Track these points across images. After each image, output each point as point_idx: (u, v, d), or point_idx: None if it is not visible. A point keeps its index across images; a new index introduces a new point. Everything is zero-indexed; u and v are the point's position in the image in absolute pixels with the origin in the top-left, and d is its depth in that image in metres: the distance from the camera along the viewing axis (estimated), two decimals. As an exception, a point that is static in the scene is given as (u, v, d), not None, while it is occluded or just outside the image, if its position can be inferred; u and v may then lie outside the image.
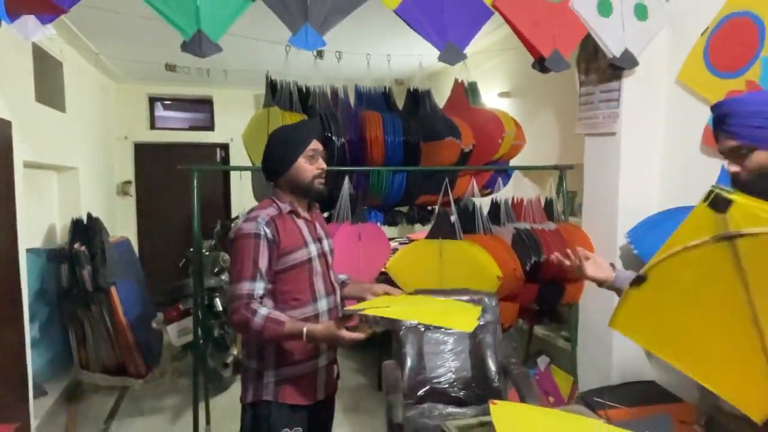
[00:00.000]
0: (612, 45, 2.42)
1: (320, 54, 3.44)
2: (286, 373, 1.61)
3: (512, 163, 3.48)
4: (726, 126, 1.28)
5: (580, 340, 2.93)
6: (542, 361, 3.19)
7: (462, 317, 1.54)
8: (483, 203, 3.23)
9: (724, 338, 1.00)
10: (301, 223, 1.65)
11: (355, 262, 2.71)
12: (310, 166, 1.62)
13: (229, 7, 2.08)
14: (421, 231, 3.89)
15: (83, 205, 4.31)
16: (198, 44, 2.00)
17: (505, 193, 3.47)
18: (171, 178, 4.08)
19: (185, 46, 2.00)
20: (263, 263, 1.53)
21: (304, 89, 3.09)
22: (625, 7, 2.44)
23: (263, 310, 1.48)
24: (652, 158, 2.63)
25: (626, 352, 2.70)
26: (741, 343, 0.99)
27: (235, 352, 3.65)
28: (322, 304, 1.65)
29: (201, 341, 3.18)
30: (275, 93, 2.98)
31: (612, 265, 1.52)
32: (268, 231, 1.54)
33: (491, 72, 4.43)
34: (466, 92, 3.48)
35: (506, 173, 3.46)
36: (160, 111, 6.47)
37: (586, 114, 2.80)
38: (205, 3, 1.99)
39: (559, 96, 3.54)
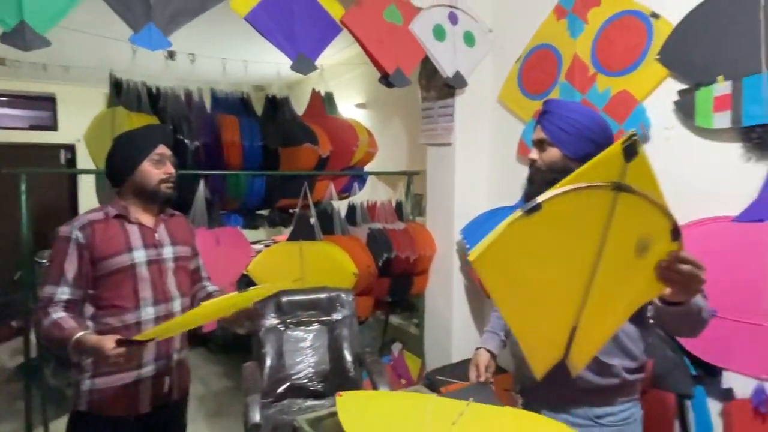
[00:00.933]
0: (446, 66, 2.59)
1: (172, 55, 3.18)
2: (102, 383, 1.46)
3: (367, 168, 3.56)
4: (542, 119, 1.36)
5: (427, 325, 3.09)
6: (396, 348, 3.30)
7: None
8: (341, 206, 3.25)
9: (554, 295, 0.98)
10: (131, 228, 1.51)
11: (213, 266, 2.53)
12: (156, 170, 1.50)
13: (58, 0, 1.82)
14: (285, 234, 3.80)
15: None
16: (21, 36, 1.73)
17: (360, 196, 3.54)
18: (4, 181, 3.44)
19: (6, 38, 1.73)
20: (70, 268, 1.41)
21: (154, 90, 2.82)
22: (456, 34, 2.63)
23: (55, 315, 1.36)
24: (480, 165, 2.85)
25: (464, 334, 2.91)
26: (563, 305, 0.99)
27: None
28: (147, 312, 1.51)
29: (39, 360, 2.74)
30: (120, 92, 2.68)
31: None
32: (80, 235, 1.42)
33: (349, 84, 4.49)
34: (323, 102, 3.48)
35: (361, 178, 3.53)
36: (-6, 108, 5.45)
37: (427, 126, 2.96)
38: None
39: (408, 109, 3.70)
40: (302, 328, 2.53)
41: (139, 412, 1.51)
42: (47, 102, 5.59)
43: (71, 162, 5.61)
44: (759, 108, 1.63)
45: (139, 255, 1.50)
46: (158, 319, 1.52)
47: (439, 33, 2.56)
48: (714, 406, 1.81)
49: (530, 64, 2.56)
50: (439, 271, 2.96)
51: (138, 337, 1.25)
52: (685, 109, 1.89)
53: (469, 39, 2.68)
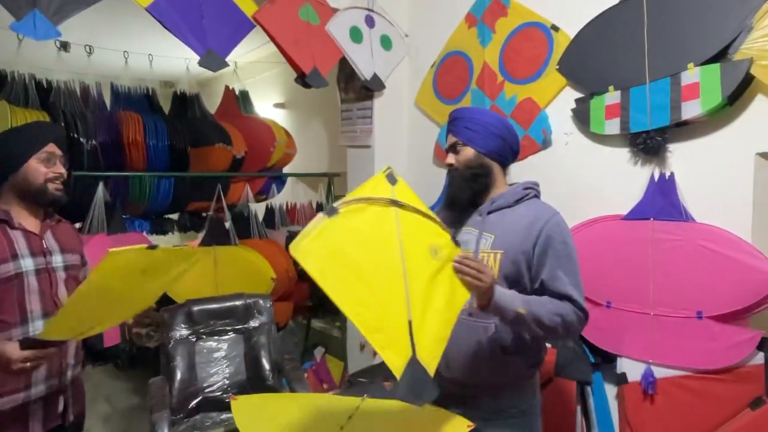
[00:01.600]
0: (363, 68, 2.58)
1: (65, 46, 2.89)
2: None
3: (285, 170, 3.47)
4: (451, 126, 1.47)
5: (349, 328, 3.06)
6: (318, 352, 3.25)
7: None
8: (258, 209, 3.15)
9: (380, 286, 1.07)
10: (15, 234, 1.36)
11: (114, 275, 2.34)
12: (43, 168, 1.39)
13: None
14: (197, 239, 3.61)
15: None
16: None
17: (279, 198, 3.45)
18: None
19: None
20: None
21: (45, 83, 2.54)
22: (373, 37, 2.63)
23: None
24: (399, 167, 2.86)
25: (385, 335, 2.92)
26: (391, 297, 1.07)
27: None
28: (36, 327, 1.36)
29: None
30: (3, 85, 2.39)
31: None
32: None
33: (266, 83, 4.36)
34: (237, 100, 3.35)
35: (280, 180, 3.44)
36: None
37: (346, 128, 2.94)
38: None
39: (328, 110, 3.65)
40: (216, 337, 2.41)
41: None
42: None
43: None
44: (643, 116, 1.78)
45: (27, 263, 1.36)
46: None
47: (355, 35, 2.55)
48: (610, 390, 1.95)
49: (444, 70, 2.61)
50: (359, 273, 2.95)
51: (42, 335, 1.13)
52: (581, 116, 2.02)
53: (386, 42, 2.69)
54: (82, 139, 2.32)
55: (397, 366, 1.05)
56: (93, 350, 2.39)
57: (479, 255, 1.37)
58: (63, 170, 1.44)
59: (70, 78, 2.65)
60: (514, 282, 1.35)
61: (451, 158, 1.47)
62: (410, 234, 1.12)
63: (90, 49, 2.86)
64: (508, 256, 1.34)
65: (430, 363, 1.09)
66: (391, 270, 1.08)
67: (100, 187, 2.36)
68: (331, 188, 3.30)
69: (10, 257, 1.32)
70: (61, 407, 1.42)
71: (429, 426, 1.27)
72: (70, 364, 1.44)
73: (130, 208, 2.69)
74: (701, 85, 1.63)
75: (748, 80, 1.56)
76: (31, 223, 1.42)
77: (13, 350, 1.15)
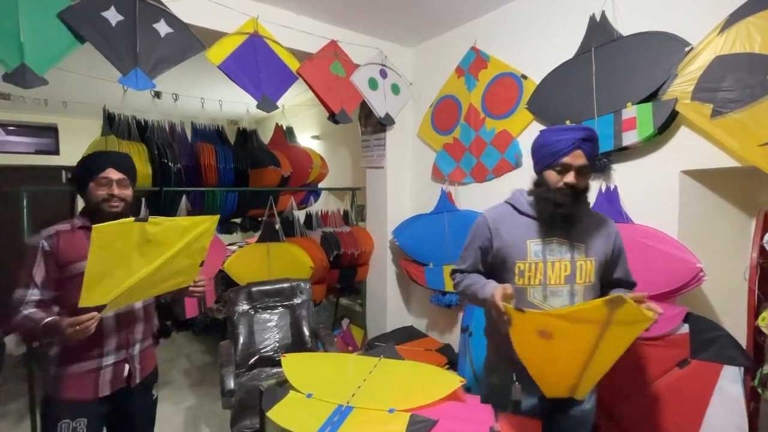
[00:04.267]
0: (378, 109, 2.60)
1: (158, 94, 2.95)
2: (67, 371, 1.28)
3: (320, 185, 3.49)
4: (586, 146, 1.14)
5: (368, 304, 3.07)
6: (344, 323, 3.24)
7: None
8: (300, 215, 3.16)
9: (564, 359, 1.02)
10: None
11: (193, 264, 2.37)
12: (98, 191, 1.29)
13: (57, 45, 1.67)
14: (254, 237, 3.64)
15: None
16: (21, 76, 1.57)
17: (315, 207, 3.46)
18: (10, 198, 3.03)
19: (7, 77, 1.56)
20: (38, 272, 1.24)
21: (143, 122, 2.59)
22: (386, 85, 2.65)
23: (26, 311, 1.20)
24: (405, 183, 2.89)
25: (395, 310, 2.92)
26: (573, 363, 1.02)
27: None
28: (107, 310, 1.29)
29: (41, 348, 2.42)
30: (112, 124, 2.44)
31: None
32: (46, 244, 1.25)
33: (306, 120, 4.39)
34: (284, 134, 3.37)
35: (316, 193, 3.45)
36: (2, 135, 4.79)
37: (366, 153, 2.96)
38: (30, 39, 1.58)
39: (351, 140, 3.68)
40: (269, 311, 2.42)
41: (98, 395, 1.32)
42: (50, 131, 5.01)
43: (71, 181, 5.06)
44: (592, 143, 1.76)
45: None
46: (118, 316, 1.32)
47: (373, 84, 2.57)
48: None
49: (439, 109, 2.62)
50: (376, 263, 2.95)
51: (80, 304, 1.05)
52: (545, 143, 2.00)
53: (395, 89, 2.71)
54: (170, 164, 2.34)
55: (550, 393, 1.08)
56: (177, 320, 2.42)
57: (576, 263, 1.17)
58: (116, 191, 1.30)
59: (162, 118, 2.69)
60: (597, 284, 1.21)
61: (571, 178, 1.13)
62: (609, 334, 0.96)
63: (176, 96, 2.91)
64: (598, 261, 1.20)
65: (582, 394, 1.08)
66: (582, 351, 0.99)
67: (184, 199, 2.40)
68: (354, 199, 3.31)
69: (84, 257, 1.22)
70: (126, 374, 1.36)
71: (430, 379, 1.27)
72: (137, 339, 1.38)
73: (206, 215, 2.72)
74: (637, 119, 1.62)
75: (673, 115, 1.55)
76: None
77: (63, 320, 1.13)
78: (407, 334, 2.70)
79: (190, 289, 1.35)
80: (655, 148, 1.64)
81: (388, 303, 2.87)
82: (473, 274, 1.26)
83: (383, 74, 2.63)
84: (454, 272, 1.31)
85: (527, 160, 2.12)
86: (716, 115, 1.43)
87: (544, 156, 1.17)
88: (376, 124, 2.79)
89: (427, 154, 2.73)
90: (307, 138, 4.26)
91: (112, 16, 1.74)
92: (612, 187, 1.76)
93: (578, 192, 1.15)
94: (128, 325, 1.34)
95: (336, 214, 3.21)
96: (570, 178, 1.13)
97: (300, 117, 4.38)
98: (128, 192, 1.34)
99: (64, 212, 5.03)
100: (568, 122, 1.86)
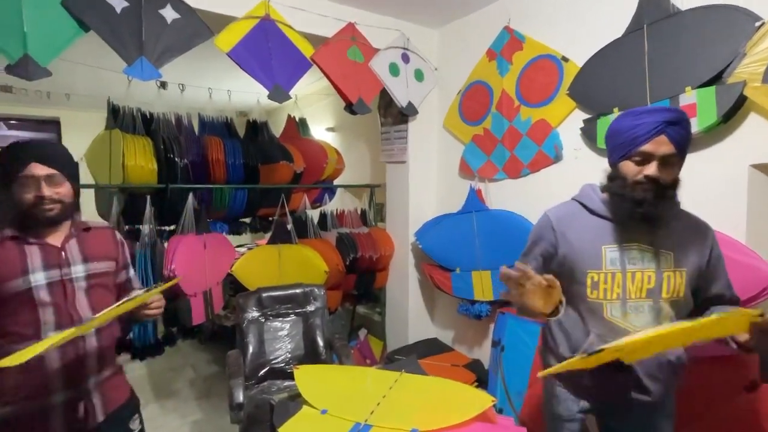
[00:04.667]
0: (400, 97, 2.61)
1: (164, 85, 3.05)
2: (5, 414, 1.11)
3: (336, 182, 3.53)
4: (673, 131, 0.99)
5: (387, 313, 3.08)
6: (362, 333, 3.27)
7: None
8: (313, 214, 3.20)
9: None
10: (30, 249, 1.15)
11: (200, 267, 2.44)
12: (24, 193, 1.11)
13: (61, 35, 1.75)
14: (265, 238, 3.71)
15: None
16: (25, 68, 1.65)
17: (330, 206, 3.50)
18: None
19: (10, 69, 1.64)
20: None
21: (148, 115, 2.69)
22: (408, 71, 2.65)
23: None
24: (429, 179, 2.88)
25: (417, 320, 2.91)
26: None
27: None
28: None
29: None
30: (117, 117, 2.55)
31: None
32: None
33: (320, 111, 4.44)
34: (297, 126, 3.42)
35: (331, 190, 3.49)
36: (3, 130, 5.07)
37: (386, 147, 2.97)
38: (33, 29, 1.65)
39: (370, 132, 3.70)
40: (280, 319, 2.46)
41: None
42: (53, 125, 5.26)
43: (74, 177, 5.31)
44: (645, 133, 1.71)
45: (38, 277, 1.13)
46: (63, 347, 1.14)
47: (394, 70, 2.57)
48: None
49: (468, 97, 2.60)
50: (397, 267, 2.96)
51: (4, 362, 0.87)
52: (589, 134, 1.96)
53: (418, 75, 2.70)
54: (176, 159, 2.42)
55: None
56: (183, 327, 2.50)
57: (663, 275, 1.07)
58: (49, 190, 1.12)
59: (167, 110, 2.78)
60: (688, 298, 1.11)
61: (653, 169, 1.00)
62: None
63: (182, 86, 3.00)
64: (690, 273, 1.09)
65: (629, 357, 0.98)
66: None
67: (190, 196, 2.47)
68: (373, 197, 3.33)
69: (20, 273, 1.12)
70: (81, 413, 1.18)
71: (457, 398, 1.25)
72: (92, 372, 1.20)
73: (213, 213, 2.79)
74: (698, 105, 1.56)
75: (741, 100, 1.48)
76: (53, 235, 1.19)
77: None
78: (431, 348, 2.69)
79: (143, 312, 1.22)
80: (719, 138, 1.58)
81: (409, 312, 2.87)
82: None
83: (405, 59, 2.63)
84: None
85: (568, 153, 2.08)
86: (793, 100, 1.37)
87: (621, 144, 1.05)
88: (397, 115, 2.80)
89: (454, 147, 2.71)
90: (321, 130, 4.31)
91: (117, 2, 1.81)
92: (667, 183, 1.70)
93: (663, 187, 1.01)
94: (76, 354, 1.17)
95: (353, 214, 3.24)
96: (651, 169, 1.00)
97: (314, 107, 4.43)
98: (63, 190, 1.16)
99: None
100: (616, 110, 1.81)
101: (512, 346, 2.13)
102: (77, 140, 5.13)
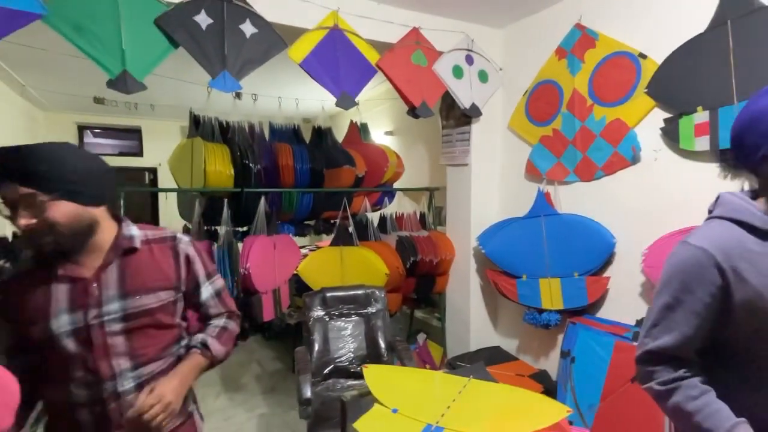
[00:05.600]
0: (463, 99, 2.67)
1: (239, 95, 3.35)
2: None
3: (395, 185, 3.64)
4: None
5: (447, 319, 3.13)
6: (421, 338, 3.34)
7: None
8: (374, 217, 3.33)
9: None
10: (57, 287, 0.94)
11: (271, 266, 2.66)
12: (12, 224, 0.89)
13: (154, 51, 2.00)
14: (326, 240, 3.91)
15: None
16: (123, 83, 1.90)
17: (390, 209, 3.62)
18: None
19: (111, 84, 1.89)
20: None
21: (224, 123, 2.98)
22: (472, 73, 2.71)
23: None
24: (492, 182, 2.90)
25: (479, 327, 2.94)
26: None
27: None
28: (77, 395, 0.94)
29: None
30: (198, 126, 2.85)
31: None
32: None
33: (379, 115, 4.60)
34: (359, 130, 3.59)
35: (391, 193, 3.61)
36: (89, 138, 5.81)
37: (447, 149, 3.04)
38: (130, 47, 1.91)
39: (429, 135, 3.78)
40: (343, 319, 2.61)
41: None
42: (135, 133, 5.93)
43: (153, 182, 5.93)
44: (735, 133, 1.65)
45: (62, 322, 0.92)
46: (92, 403, 0.95)
47: (457, 72, 2.65)
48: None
49: (536, 97, 2.61)
50: (458, 272, 3.00)
51: None
52: (670, 134, 1.91)
53: (483, 76, 2.75)
54: (251, 165, 2.67)
55: None
56: (254, 322, 2.72)
57: None
58: (26, 219, 0.86)
59: (242, 119, 3.06)
60: None
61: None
62: None
63: (255, 96, 3.28)
64: None
65: None
66: None
67: (262, 199, 2.71)
68: (432, 200, 3.40)
69: (42, 317, 0.92)
70: None
71: (531, 407, 1.26)
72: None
73: (281, 216, 3.03)
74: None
75: None
76: (86, 265, 0.96)
77: None
78: (494, 356, 2.70)
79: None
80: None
81: (471, 319, 2.91)
82: (694, 381, 0.85)
83: (469, 60, 2.70)
84: (644, 357, 0.90)
85: (646, 155, 2.04)
86: None
87: None
88: (459, 117, 2.85)
89: (520, 148, 2.72)
90: (380, 134, 4.46)
91: (203, 19, 2.05)
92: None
93: None
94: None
95: (412, 217, 3.33)
96: None
97: (373, 111, 4.60)
98: (53, 213, 0.88)
99: (146, 213, 5.90)
100: (700, 109, 1.76)
101: (584, 357, 2.11)
102: (156, 146, 5.80)
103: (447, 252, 2.98)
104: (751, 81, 1.60)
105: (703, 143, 1.75)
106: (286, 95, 3.54)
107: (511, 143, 2.80)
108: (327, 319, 2.59)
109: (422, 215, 3.41)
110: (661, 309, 0.88)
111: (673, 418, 0.89)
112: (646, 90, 1.99)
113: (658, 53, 1.94)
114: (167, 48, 2.00)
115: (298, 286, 2.99)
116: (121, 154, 6.02)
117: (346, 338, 2.58)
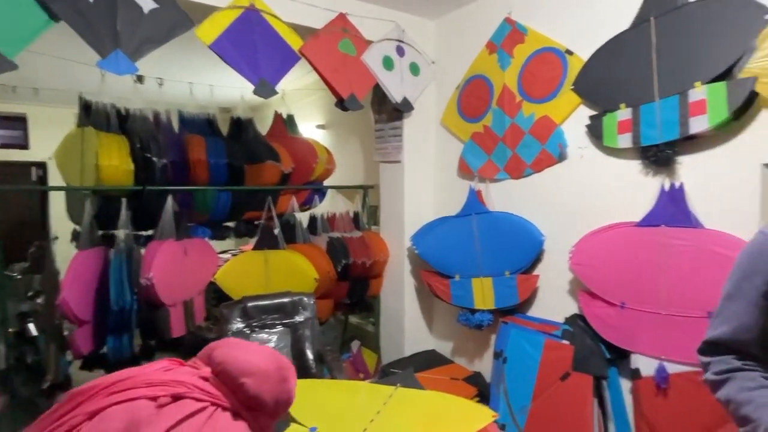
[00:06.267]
0: (394, 92, 2.62)
1: (140, 79, 3.05)
2: None
3: (326, 183, 3.54)
4: None
5: (382, 324, 3.09)
6: (355, 345, 3.26)
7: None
8: (302, 217, 3.20)
9: None
10: None
11: (180, 275, 2.43)
12: None
13: (27, 25, 1.73)
14: (250, 243, 3.71)
15: None
16: None
17: (320, 208, 3.50)
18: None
19: None
20: None
21: (123, 111, 2.68)
22: (403, 65, 2.67)
23: None
24: (426, 180, 2.90)
25: (415, 331, 2.92)
26: None
27: (51, 377, 2.97)
28: None
29: (9, 370, 2.53)
30: (89, 113, 2.54)
31: None
32: None
33: (310, 107, 4.46)
34: (285, 123, 3.44)
35: (321, 192, 3.50)
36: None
37: (380, 145, 2.98)
38: None
39: (363, 129, 3.71)
40: (267, 330, 2.46)
41: None
42: (18, 122, 5.22)
43: (42, 179, 5.26)
44: (653, 131, 1.74)
45: None
46: None
47: (388, 63, 2.59)
48: (625, 385, 1.90)
49: (467, 92, 2.63)
50: (392, 274, 2.97)
51: None
52: (594, 131, 1.99)
53: (414, 69, 2.72)
54: (154, 159, 2.42)
55: None
56: (162, 339, 2.48)
57: None
58: None
59: (145, 106, 2.78)
60: None
61: None
62: None
63: (161, 81, 3.00)
64: None
65: None
66: None
67: (169, 199, 2.46)
68: (366, 199, 3.34)
69: None
70: None
71: (456, 413, 1.27)
72: None
73: (195, 217, 2.79)
74: (708, 101, 1.59)
75: (752, 96, 1.52)
76: None
77: None
78: (429, 360, 2.70)
79: None
80: (730, 136, 1.61)
81: (405, 322, 2.88)
82: (753, 374, 0.83)
83: (400, 52, 2.65)
84: (702, 347, 0.90)
85: (573, 152, 2.11)
86: (807, 96, 1.40)
87: None
88: (391, 111, 2.81)
89: (453, 145, 2.73)
90: (310, 127, 4.32)
91: (90, -10, 1.81)
92: (677, 184, 1.73)
93: None
94: None
95: (345, 217, 3.24)
96: None
97: (302, 103, 4.44)
98: None
99: (34, 214, 5.22)
100: (623, 106, 1.84)
101: (515, 357, 2.14)
102: (46, 138, 5.15)
103: (381, 253, 2.93)
104: (672, 78, 1.69)
105: (625, 140, 1.84)
106: (198, 81, 3.29)
107: (445, 140, 2.81)
108: (248, 332, 2.42)
109: (356, 215, 3.34)
110: (722, 299, 0.89)
111: (726, 409, 0.87)
112: (572, 87, 2.06)
113: (584, 50, 2.01)
114: (44, 22, 1.74)
115: (219, 295, 2.79)
116: (3, 146, 5.28)
117: (269, 351, 2.43)
